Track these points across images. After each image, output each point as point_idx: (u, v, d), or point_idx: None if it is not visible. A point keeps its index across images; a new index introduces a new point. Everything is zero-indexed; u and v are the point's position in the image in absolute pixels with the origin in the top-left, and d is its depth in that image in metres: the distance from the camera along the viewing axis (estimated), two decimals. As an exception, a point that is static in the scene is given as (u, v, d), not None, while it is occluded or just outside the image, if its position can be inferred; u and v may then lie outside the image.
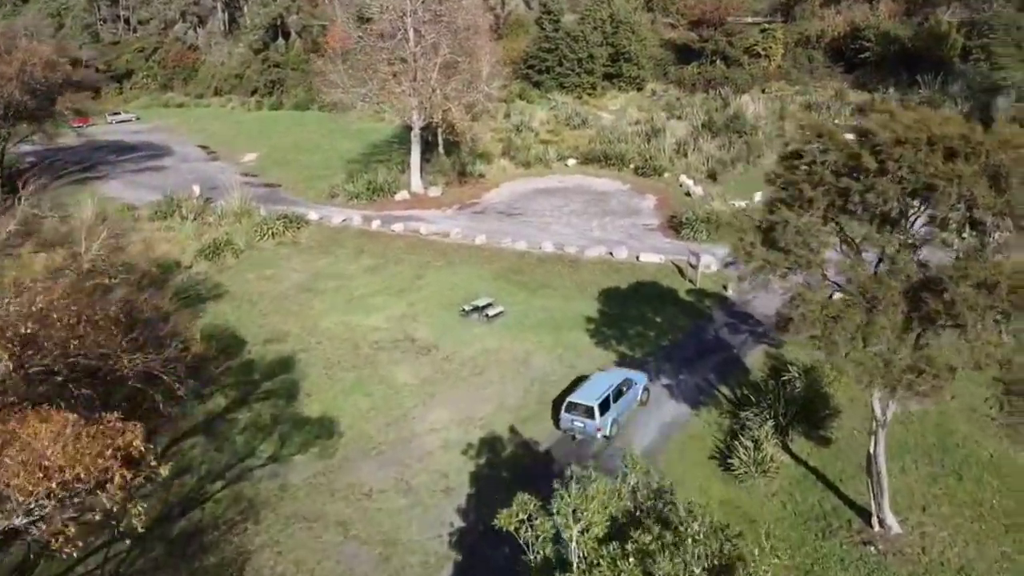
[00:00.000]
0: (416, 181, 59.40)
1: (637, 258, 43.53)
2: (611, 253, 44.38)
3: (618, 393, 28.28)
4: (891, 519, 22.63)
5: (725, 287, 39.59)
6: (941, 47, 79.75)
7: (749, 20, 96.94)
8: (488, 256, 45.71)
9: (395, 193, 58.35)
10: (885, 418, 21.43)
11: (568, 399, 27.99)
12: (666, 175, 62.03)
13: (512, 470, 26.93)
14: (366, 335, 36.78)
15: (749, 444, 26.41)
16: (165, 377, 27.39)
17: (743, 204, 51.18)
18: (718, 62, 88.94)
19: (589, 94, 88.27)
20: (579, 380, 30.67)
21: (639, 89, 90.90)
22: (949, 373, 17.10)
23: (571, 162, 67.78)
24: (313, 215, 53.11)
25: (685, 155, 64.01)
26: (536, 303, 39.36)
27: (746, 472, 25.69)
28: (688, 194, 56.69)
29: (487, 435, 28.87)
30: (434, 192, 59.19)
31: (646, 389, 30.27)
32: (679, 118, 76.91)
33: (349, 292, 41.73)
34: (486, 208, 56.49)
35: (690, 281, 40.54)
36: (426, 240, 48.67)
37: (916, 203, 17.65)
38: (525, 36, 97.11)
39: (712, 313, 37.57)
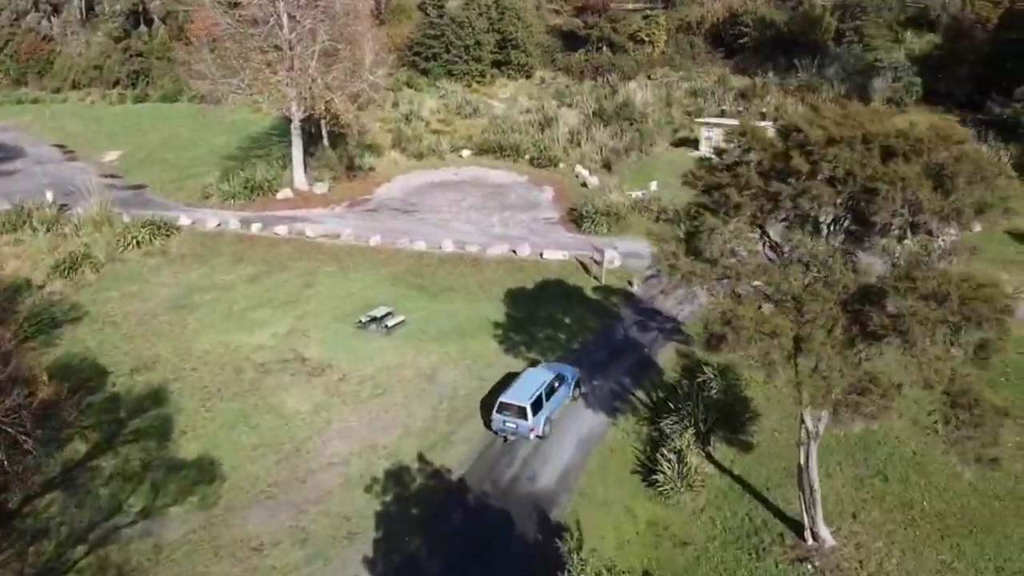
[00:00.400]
0: (300, 177, 55.11)
1: (541, 255, 41.46)
2: (514, 251, 42.14)
3: (551, 390, 27.15)
4: (824, 532, 21.51)
5: (630, 283, 38.13)
6: (816, 30, 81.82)
7: (631, 7, 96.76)
8: (384, 258, 42.49)
9: (277, 191, 53.86)
10: (817, 431, 20.15)
11: (499, 399, 26.47)
12: (561, 165, 60.36)
13: (423, 505, 24.26)
14: (249, 356, 32.97)
15: (672, 456, 24.85)
16: (9, 430, 23.27)
17: (640, 194, 50.18)
18: (604, 49, 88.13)
19: (478, 82, 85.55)
20: (510, 377, 29.07)
21: (528, 76, 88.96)
22: (896, 391, 15.75)
23: (466, 153, 65.07)
24: (184, 219, 48.08)
25: (579, 145, 62.52)
26: (439, 309, 36.64)
27: (672, 488, 24.08)
28: (584, 185, 55.20)
29: (393, 466, 26.03)
30: (320, 189, 55.10)
31: (578, 384, 29.24)
32: (570, 106, 75.59)
33: (228, 306, 37.60)
34: (379, 205, 53.03)
35: (595, 278, 38.84)
36: (314, 243, 44.85)
37: (851, 207, 16.10)
38: (408, 22, 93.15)
39: (620, 311, 35.99)
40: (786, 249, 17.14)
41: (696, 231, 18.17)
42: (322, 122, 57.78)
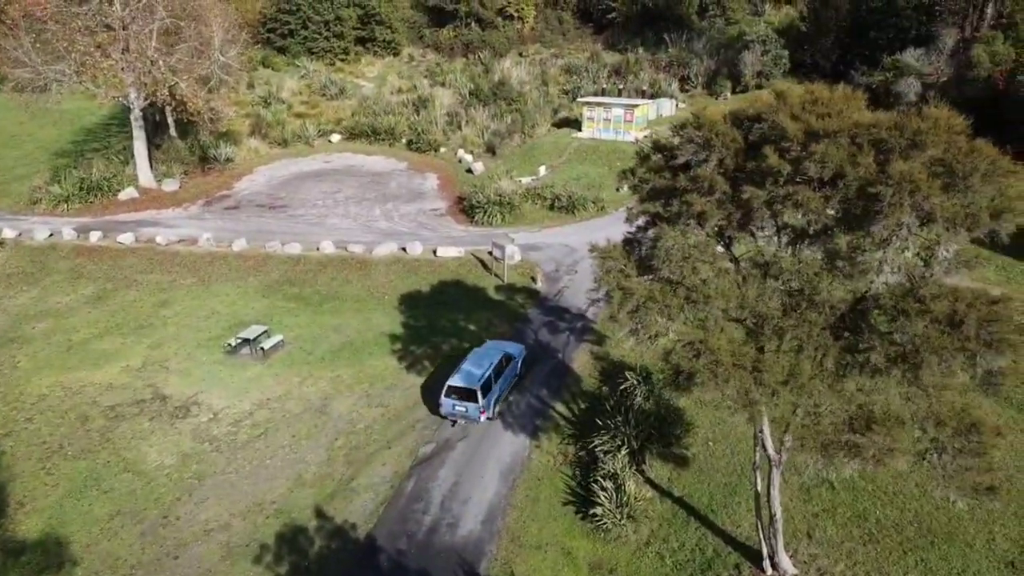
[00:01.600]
0: (145, 174, 47.94)
1: (435, 253, 37.37)
2: (404, 249, 37.80)
3: (499, 370, 25.90)
4: (786, 561, 19.23)
5: (534, 279, 34.88)
6: (681, 5, 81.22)
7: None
8: (253, 266, 37.01)
9: (119, 192, 46.53)
10: (780, 456, 17.66)
11: (448, 383, 24.92)
12: (443, 150, 56.20)
13: (326, 575, 20.07)
14: (96, 399, 27.14)
15: (608, 484, 21.91)
16: None
17: (530, 180, 47.01)
18: (473, 25, 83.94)
19: (342, 60, 79.28)
20: (457, 358, 27.81)
21: (395, 54, 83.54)
22: (900, 428, 13.27)
23: (335, 138, 59.53)
24: (8, 231, 40.32)
25: (459, 127, 58.46)
26: (324, 323, 31.92)
27: (612, 520, 21.15)
28: (469, 171, 51.39)
29: (285, 527, 21.57)
30: (170, 186, 48.19)
31: (524, 362, 27.94)
32: (443, 85, 71.19)
33: (67, 337, 31.21)
34: (240, 201, 46.91)
35: (496, 276, 35.29)
36: (167, 252, 38.58)
37: (844, 215, 13.30)
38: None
39: (527, 312, 32.65)
40: (761, 264, 14.19)
41: (651, 244, 14.92)
42: (167, 109, 50.62)
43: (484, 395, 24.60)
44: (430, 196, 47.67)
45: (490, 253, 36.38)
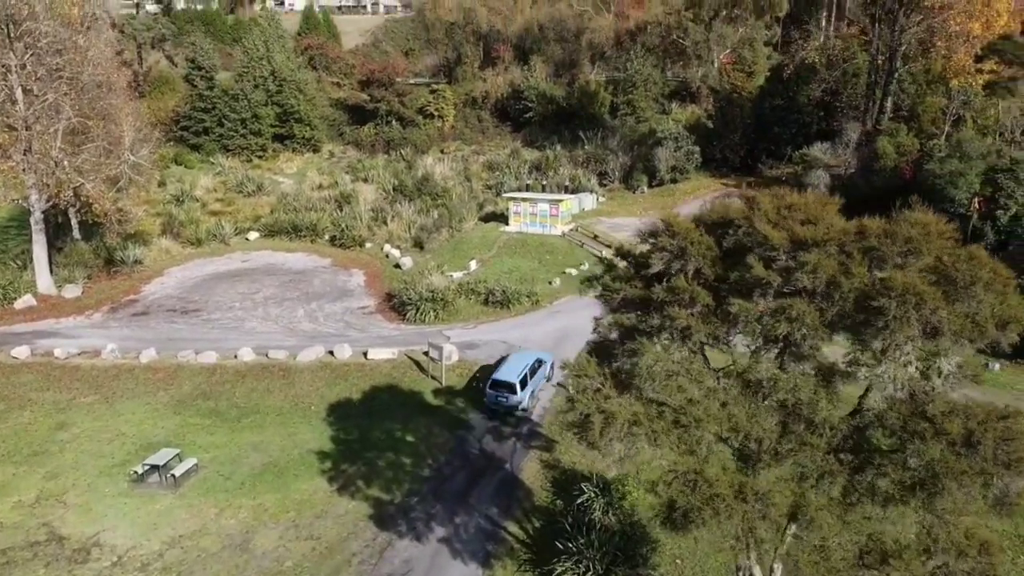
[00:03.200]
0: (45, 280, 43.84)
1: (365, 355, 34.86)
2: (331, 352, 35.15)
3: (533, 370, 30.47)
4: None
5: (474, 381, 32.77)
6: (593, 104, 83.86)
7: (415, 81, 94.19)
8: (163, 378, 33.50)
9: (14, 299, 42.18)
10: (771, 584, 15.88)
11: (492, 377, 29.91)
12: (368, 245, 54.26)
13: None
14: (-24, 548, 22.98)
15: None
16: None
17: (461, 275, 45.49)
18: (394, 122, 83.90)
19: (259, 157, 77.22)
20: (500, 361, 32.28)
21: (315, 151, 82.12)
22: (919, 560, 11.78)
23: (253, 235, 56.78)
24: None
25: (384, 222, 56.84)
26: (244, 441, 28.69)
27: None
28: (398, 266, 49.49)
29: None
30: (72, 292, 44.13)
31: (552, 366, 31.83)
32: (366, 180, 70.02)
33: (-58, 472, 26.85)
34: (150, 306, 43.28)
35: (434, 378, 33.01)
36: (67, 366, 34.60)
37: (843, 328, 12.14)
38: (173, 94, 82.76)
39: (469, 418, 30.36)
40: (753, 382, 12.79)
41: (630, 362, 13.35)
42: (71, 211, 47.06)
43: (522, 388, 29.06)
44: (357, 293, 45.36)
45: (426, 354, 34.21)
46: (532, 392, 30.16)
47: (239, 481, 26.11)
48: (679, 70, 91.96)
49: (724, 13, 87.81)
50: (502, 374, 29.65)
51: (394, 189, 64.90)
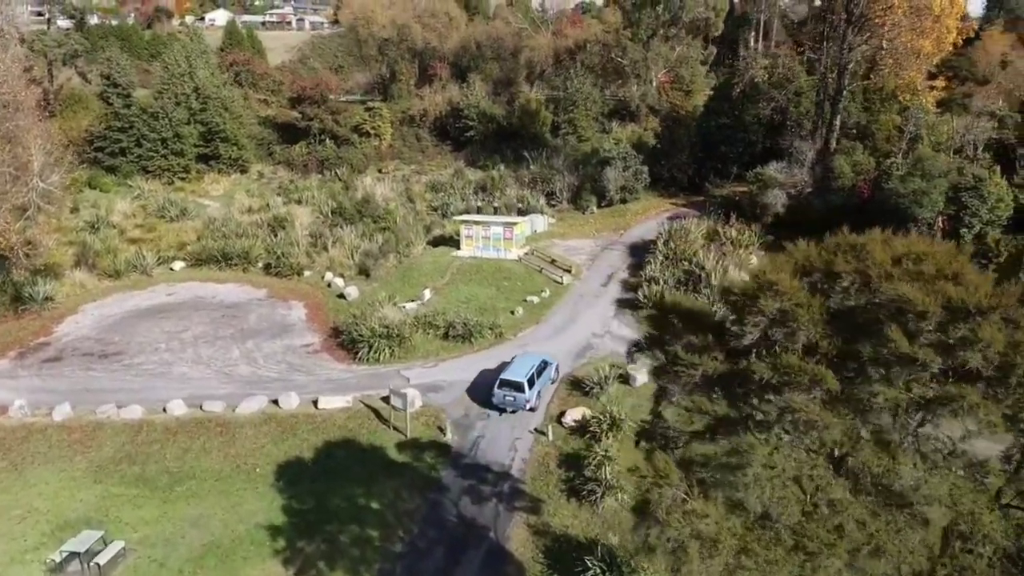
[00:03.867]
0: (-64, 323, 38.00)
1: (316, 404, 30.86)
2: (276, 402, 31.01)
3: (540, 371, 30.71)
4: None
5: (442, 429, 29.26)
6: (535, 123, 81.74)
7: (349, 98, 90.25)
8: (80, 439, 28.69)
9: None
10: None
11: (500, 377, 29.79)
12: (307, 274, 49.96)
13: None
14: None
15: None
16: None
17: (414, 305, 41.90)
18: (328, 141, 79.57)
19: (182, 179, 71.60)
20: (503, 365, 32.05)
21: (243, 171, 76.91)
22: None
23: (178, 265, 51.69)
24: None
25: (325, 248, 52.64)
26: (179, 515, 24.34)
27: None
28: (342, 296, 45.49)
29: None
30: (-30, 336, 38.42)
31: (557, 369, 32.68)
32: (299, 202, 65.56)
33: None
34: (63, 350, 38.01)
35: (396, 429, 29.33)
36: (-39, 427, 29.33)
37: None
38: (87, 113, 76.14)
39: (441, 476, 26.81)
40: (895, 491, 9.95)
41: (724, 463, 10.33)
42: (-31, 244, 41.26)
43: (530, 387, 29.19)
44: (299, 329, 41.15)
45: (386, 400, 30.50)
46: (539, 392, 30.29)
47: (175, 568, 21.85)
48: (617, 89, 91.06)
49: (661, 32, 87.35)
50: (510, 374, 29.85)
51: (332, 212, 60.70)
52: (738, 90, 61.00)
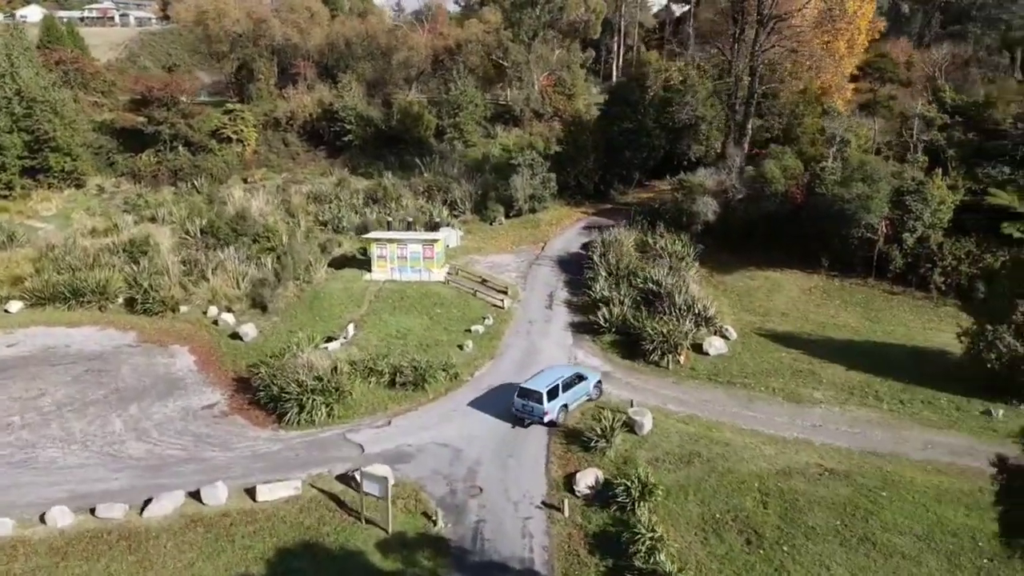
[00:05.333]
0: None
1: (252, 496, 23.62)
2: (197, 495, 23.45)
3: (568, 384, 28.16)
4: None
5: (431, 517, 23.06)
6: (418, 127, 75.89)
7: (205, 99, 79.57)
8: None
9: None
10: None
11: (521, 385, 27.93)
12: (184, 309, 41.42)
13: None
14: None
15: None
16: None
17: (337, 343, 35.13)
18: (181, 148, 69.04)
19: (4, 197, 58.95)
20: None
21: (79, 186, 64.90)
22: None
23: (15, 306, 41.51)
24: None
25: (203, 277, 44.03)
26: None
27: None
28: (236, 336, 37.73)
29: None
30: None
31: (598, 386, 29.71)
32: (153, 220, 55.79)
33: None
34: None
35: (370, 521, 22.80)
36: None
37: None
38: None
39: (443, 582, 20.81)
40: None
41: None
42: None
43: (549, 399, 27.01)
44: (192, 384, 33.08)
45: (347, 481, 23.93)
46: (566, 407, 28.00)
47: None
48: (498, 92, 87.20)
49: (542, 34, 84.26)
50: (531, 383, 27.93)
51: (202, 231, 51.63)
52: (651, 93, 58.58)
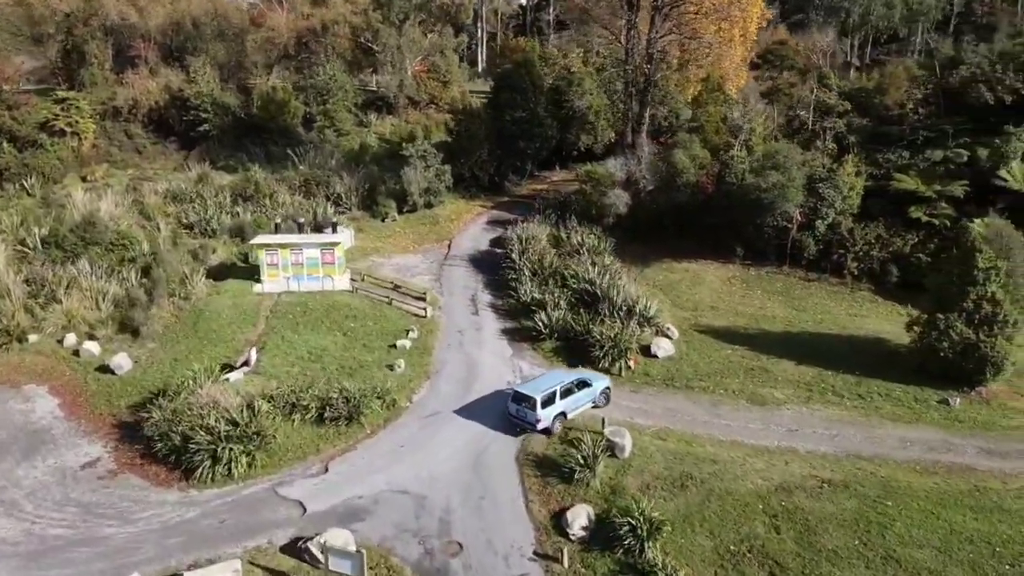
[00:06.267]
0: None
1: (177, 588, 18.68)
2: (99, 599, 18.15)
3: (567, 391, 26.65)
4: None
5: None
6: (283, 115, 69.34)
7: (29, 87, 68.36)
8: None
9: None
10: None
11: (516, 389, 26.66)
12: (34, 338, 34.25)
13: None
14: None
15: None
16: None
17: (240, 373, 29.98)
18: (5, 144, 58.51)
19: None
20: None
21: None
22: None
23: None
24: None
25: (54, 298, 36.72)
26: None
27: None
28: (106, 369, 31.43)
29: None
30: None
31: (605, 393, 27.95)
32: (-26, 231, 46.50)
33: None
34: None
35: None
36: None
37: None
38: None
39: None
40: None
41: None
42: None
43: (543, 407, 25.46)
44: (61, 435, 26.80)
45: (303, 556, 19.50)
46: (564, 414, 26.38)
47: None
48: (368, 77, 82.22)
49: (413, 16, 79.80)
50: (526, 387, 26.62)
51: (43, 242, 43.48)
52: (549, 81, 56.28)
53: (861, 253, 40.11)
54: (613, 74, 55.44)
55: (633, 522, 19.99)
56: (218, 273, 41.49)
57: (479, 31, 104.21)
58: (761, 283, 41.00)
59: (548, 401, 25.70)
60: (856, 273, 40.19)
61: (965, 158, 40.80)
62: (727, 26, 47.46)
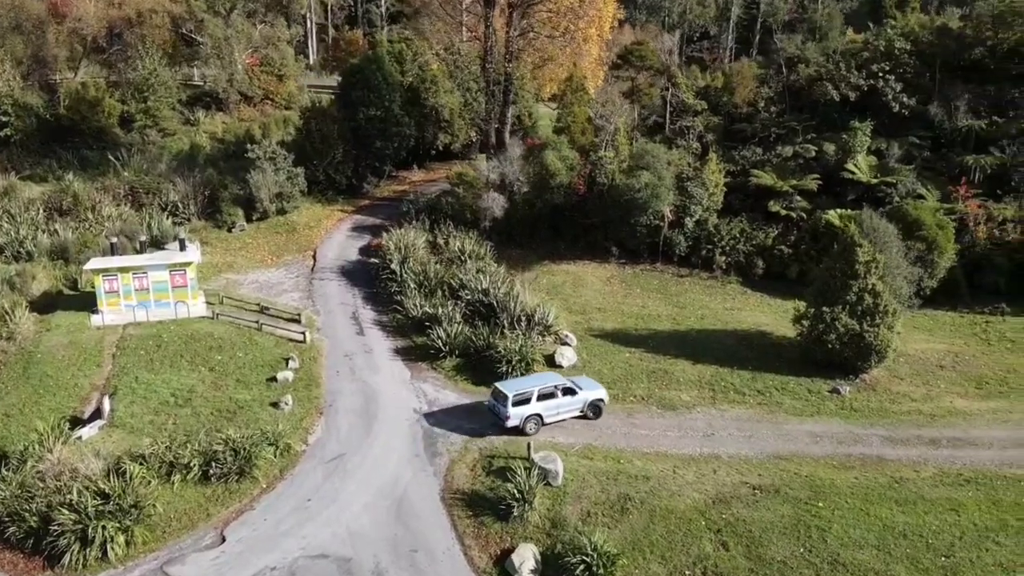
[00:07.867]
0: None
1: None
2: None
3: (549, 395, 26.30)
4: None
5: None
6: (97, 115, 61.35)
7: None
8: None
9: None
10: None
11: (496, 384, 26.58)
12: None
13: None
14: None
15: None
16: None
17: (95, 426, 25.36)
18: None
19: None
20: None
21: None
22: None
23: None
24: None
25: None
26: None
27: None
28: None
29: None
30: None
31: (596, 405, 27.00)
32: None
33: None
34: None
35: None
36: None
37: None
38: None
39: None
40: None
41: None
42: None
43: (514, 405, 25.36)
44: None
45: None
46: (540, 417, 25.91)
47: None
48: (191, 70, 75.02)
49: (241, 6, 73.50)
50: (506, 384, 26.41)
51: None
52: (409, 78, 53.41)
53: (728, 247, 41.46)
54: (469, 73, 53.73)
55: (587, 559, 18.60)
56: (44, 305, 35.21)
57: (308, 22, 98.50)
58: (639, 281, 41.26)
59: (523, 401, 25.49)
60: (724, 267, 41.52)
61: (813, 153, 43.47)
62: (584, 24, 47.30)
